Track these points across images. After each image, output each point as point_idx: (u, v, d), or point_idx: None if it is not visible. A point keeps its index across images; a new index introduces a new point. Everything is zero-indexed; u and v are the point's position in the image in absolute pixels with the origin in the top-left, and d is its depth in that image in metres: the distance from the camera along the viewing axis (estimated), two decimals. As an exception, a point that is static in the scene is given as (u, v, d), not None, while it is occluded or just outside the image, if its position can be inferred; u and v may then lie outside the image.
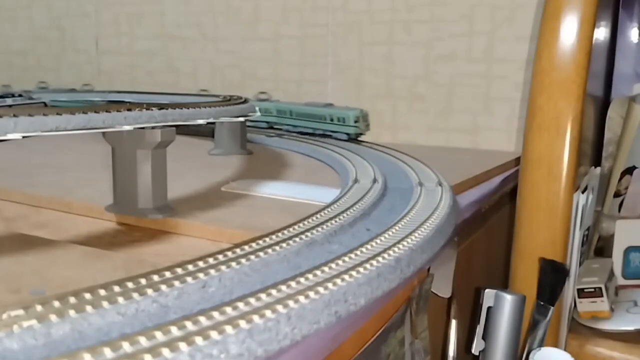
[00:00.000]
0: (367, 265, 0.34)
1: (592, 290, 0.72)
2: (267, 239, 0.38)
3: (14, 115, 0.39)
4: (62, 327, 0.25)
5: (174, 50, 1.30)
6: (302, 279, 0.31)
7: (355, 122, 0.88)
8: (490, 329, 0.52)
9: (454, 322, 0.60)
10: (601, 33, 0.92)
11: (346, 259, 0.35)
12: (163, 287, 0.29)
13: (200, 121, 0.55)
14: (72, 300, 0.26)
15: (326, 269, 0.33)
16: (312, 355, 0.30)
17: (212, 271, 0.32)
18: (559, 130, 0.58)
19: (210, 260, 0.33)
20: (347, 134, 0.89)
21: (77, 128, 0.42)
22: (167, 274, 0.31)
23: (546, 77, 0.59)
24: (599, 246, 0.87)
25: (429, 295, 0.51)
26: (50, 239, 0.47)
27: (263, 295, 0.29)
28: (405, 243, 0.39)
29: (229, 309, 0.27)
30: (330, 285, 0.31)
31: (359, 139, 0.91)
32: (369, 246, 0.38)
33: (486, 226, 0.74)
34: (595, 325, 0.71)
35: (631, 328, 0.71)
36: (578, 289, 0.71)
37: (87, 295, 0.27)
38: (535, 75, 0.60)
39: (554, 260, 0.58)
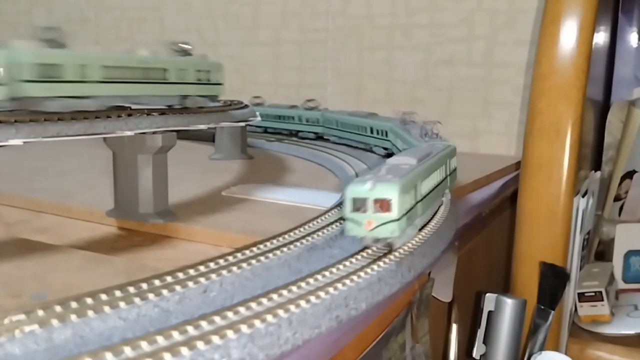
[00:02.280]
0: (368, 270, 0.34)
1: (593, 294, 0.72)
2: (268, 244, 0.38)
3: (15, 122, 0.39)
4: (64, 331, 0.25)
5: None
6: (303, 284, 0.31)
7: None
8: (491, 333, 0.52)
9: (454, 326, 0.60)
10: (601, 37, 0.93)
11: (347, 263, 0.35)
12: (164, 291, 0.29)
13: (201, 126, 0.55)
14: (74, 305, 0.26)
15: (327, 273, 0.33)
16: (313, 360, 0.30)
17: (213, 276, 0.32)
18: (559, 134, 0.58)
19: (212, 265, 0.33)
20: None
21: (78, 134, 0.42)
22: (169, 279, 0.31)
23: (546, 82, 0.59)
24: (599, 250, 0.87)
25: (430, 299, 0.50)
26: (51, 244, 0.47)
27: (264, 300, 0.29)
28: (406, 247, 0.39)
29: (230, 314, 0.27)
30: (331, 289, 0.31)
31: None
32: (369, 250, 0.38)
33: (486, 230, 0.74)
34: (595, 329, 0.71)
35: (631, 332, 0.71)
36: (579, 293, 0.71)
37: (89, 300, 0.27)
38: (535, 79, 0.60)
39: (555, 264, 0.58)
